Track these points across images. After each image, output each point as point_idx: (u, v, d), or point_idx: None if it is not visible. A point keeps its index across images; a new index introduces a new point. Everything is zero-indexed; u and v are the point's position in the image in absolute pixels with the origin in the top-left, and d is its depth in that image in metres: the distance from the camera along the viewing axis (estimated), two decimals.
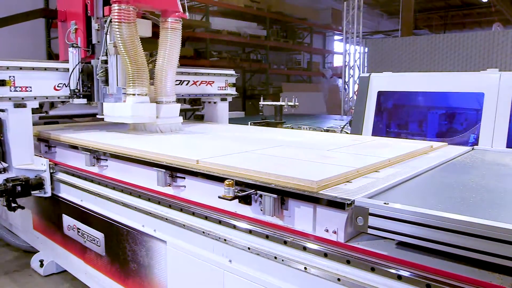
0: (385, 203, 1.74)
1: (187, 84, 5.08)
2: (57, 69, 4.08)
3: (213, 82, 5.36)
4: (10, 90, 3.72)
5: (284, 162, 2.54)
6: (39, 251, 4.41)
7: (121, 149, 3.19)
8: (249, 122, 6.16)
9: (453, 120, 4.84)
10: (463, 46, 10.75)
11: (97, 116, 4.38)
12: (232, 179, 2.21)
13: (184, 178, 2.66)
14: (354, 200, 1.83)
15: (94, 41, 4.33)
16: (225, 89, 5.52)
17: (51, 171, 3.81)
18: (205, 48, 13.11)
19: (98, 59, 4.17)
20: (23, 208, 3.93)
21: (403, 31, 16.05)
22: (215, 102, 5.53)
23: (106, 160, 3.30)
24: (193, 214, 2.56)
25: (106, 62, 4.15)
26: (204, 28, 12.76)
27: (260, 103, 7.01)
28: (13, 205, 3.74)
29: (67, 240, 3.85)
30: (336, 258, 1.88)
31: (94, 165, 3.38)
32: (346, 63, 15.24)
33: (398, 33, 16.45)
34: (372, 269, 1.76)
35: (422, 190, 2.21)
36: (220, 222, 2.39)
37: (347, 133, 5.95)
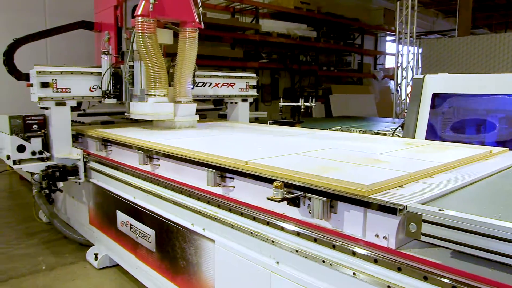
0: (440, 210, 1.68)
1: (209, 86, 5.74)
2: (91, 73, 4.78)
3: (234, 84, 6.03)
4: (53, 91, 4.44)
5: (334, 165, 2.50)
6: (94, 245, 4.62)
7: (173, 149, 3.27)
8: (268, 122, 6.69)
9: None
10: None
11: (125, 114, 5.05)
12: (281, 181, 2.21)
13: (233, 178, 2.69)
14: (407, 206, 1.77)
15: (123, 48, 5.07)
16: (246, 91, 6.17)
17: (85, 160, 4.52)
18: (255, 50, 13.19)
19: (126, 64, 4.81)
20: (61, 191, 4.77)
21: (460, 31, 15.33)
22: (236, 103, 6.17)
23: (159, 159, 3.41)
24: (242, 214, 2.58)
25: (132, 67, 4.82)
26: (254, 30, 12.83)
27: (279, 103, 7.47)
28: (53, 188, 4.54)
29: (120, 235, 4.00)
30: (387, 264, 1.84)
31: (147, 164, 3.50)
32: (399, 65, 14.78)
33: (455, 32, 15.75)
34: (425, 278, 1.70)
35: (479, 197, 2.10)
36: (268, 223, 2.40)
37: (399, 136, 5.77)
